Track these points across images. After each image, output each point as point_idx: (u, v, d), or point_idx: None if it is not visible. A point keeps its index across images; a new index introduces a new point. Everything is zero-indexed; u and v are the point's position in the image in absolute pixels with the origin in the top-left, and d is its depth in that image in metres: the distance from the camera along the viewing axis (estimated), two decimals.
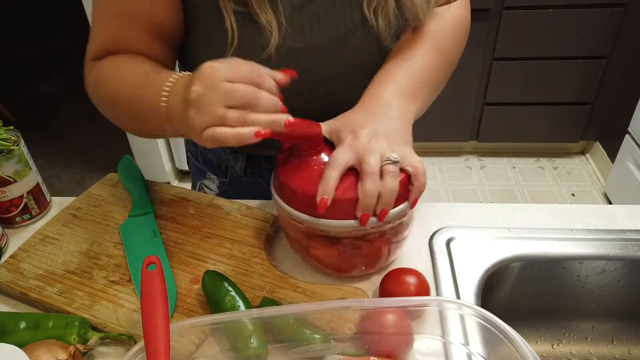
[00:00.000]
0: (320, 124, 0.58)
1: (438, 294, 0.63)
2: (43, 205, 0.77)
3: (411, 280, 0.58)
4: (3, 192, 0.71)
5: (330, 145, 0.58)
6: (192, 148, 0.88)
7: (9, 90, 2.97)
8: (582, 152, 2.38)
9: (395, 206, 0.55)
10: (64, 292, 0.62)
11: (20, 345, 0.51)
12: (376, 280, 0.63)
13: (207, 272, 0.60)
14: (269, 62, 0.63)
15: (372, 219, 0.54)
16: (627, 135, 1.92)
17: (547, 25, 1.92)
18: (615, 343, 0.74)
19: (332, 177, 0.53)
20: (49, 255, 0.67)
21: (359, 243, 0.58)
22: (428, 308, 0.55)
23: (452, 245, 0.69)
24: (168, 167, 2.23)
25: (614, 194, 2.06)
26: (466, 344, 0.54)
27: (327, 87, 0.67)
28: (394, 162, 0.54)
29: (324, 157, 0.57)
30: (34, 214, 0.75)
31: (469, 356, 0.54)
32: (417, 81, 0.63)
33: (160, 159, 2.16)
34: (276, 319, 0.53)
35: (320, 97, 0.67)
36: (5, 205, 0.72)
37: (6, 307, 0.63)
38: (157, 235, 0.69)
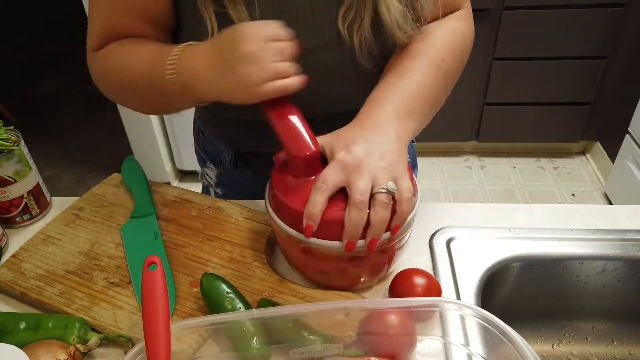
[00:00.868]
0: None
1: None
2: (43, 206, 0.77)
3: (420, 281, 0.58)
4: (3, 192, 0.71)
5: (324, 159, 0.57)
6: (196, 136, 0.90)
7: (9, 90, 2.97)
8: (583, 152, 2.38)
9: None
10: (63, 292, 0.62)
11: (20, 345, 0.51)
12: (380, 287, 0.63)
13: (205, 274, 0.59)
14: None
15: (360, 243, 0.53)
16: (627, 135, 1.92)
17: (547, 25, 1.92)
18: (615, 343, 0.74)
19: (318, 201, 0.52)
20: (50, 256, 0.67)
21: (357, 259, 0.57)
22: (428, 309, 0.55)
23: (452, 245, 0.69)
24: (168, 167, 2.23)
25: (614, 194, 2.06)
26: (466, 344, 0.54)
27: (308, 93, 0.61)
28: (389, 192, 0.52)
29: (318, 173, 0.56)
30: (34, 214, 0.75)
31: (470, 357, 0.54)
32: (415, 100, 0.61)
33: (160, 159, 2.16)
34: (276, 320, 0.53)
35: (302, 102, 0.62)
36: (6, 205, 0.72)
37: (7, 307, 0.63)
38: (158, 237, 0.69)
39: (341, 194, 0.53)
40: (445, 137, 2.29)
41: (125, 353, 0.52)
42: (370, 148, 0.54)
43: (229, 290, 0.58)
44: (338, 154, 0.54)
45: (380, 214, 0.51)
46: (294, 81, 0.54)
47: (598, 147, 2.26)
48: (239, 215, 0.72)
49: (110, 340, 0.57)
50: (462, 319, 0.55)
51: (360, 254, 0.55)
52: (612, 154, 2.08)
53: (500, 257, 0.67)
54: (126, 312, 0.60)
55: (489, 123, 2.21)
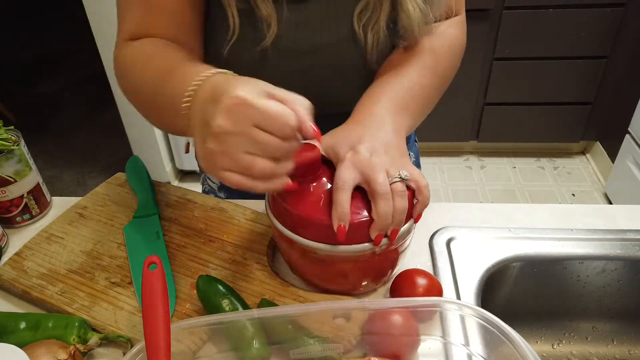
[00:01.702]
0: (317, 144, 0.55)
1: None
2: (43, 205, 0.77)
3: (422, 281, 0.58)
4: (3, 192, 0.71)
5: (326, 162, 0.57)
6: None
7: (9, 90, 2.97)
8: (583, 152, 2.38)
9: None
10: (65, 292, 0.62)
11: (21, 345, 0.51)
12: (381, 288, 0.63)
13: (201, 276, 0.58)
14: (264, 60, 0.63)
15: (384, 240, 0.53)
16: (627, 135, 1.92)
17: (547, 25, 1.92)
18: (615, 343, 0.74)
19: (344, 200, 0.51)
20: (53, 254, 0.67)
21: (362, 262, 0.56)
22: (429, 309, 0.55)
23: (452, 245, 0.69)
24: (168, 167, 2.23)
25: (614, 194, 2.06)
26: (467, 344, 0.54)
27: (320, 89, 0.64)
28: (402, 180, 0.52)
29: (324, 178, 0.56)
30: (34, 213, 0.75)
31: (470, 357, 0.54)
32: (409, 96, 0.62)
33: (160, 159, 2.16)
34: (276, 321, 0.53)
35: (312, 98, 0.65)
36: (6, 205, 0.72)
37: (8, 305, 0.64)
38: (161, 237, 0.69)
39: (356, 197, 0.53)
40: (445, 137, 2.29)
41: (125, 354, 0.52)
42: (374, 144, 0.54)
43: (226, 292, 0.57)
44: (346, 155, 0.54)
45: (401, 204, 0.52)
46: (270, 187, 0.45)
47: (598, 147, 2.26)
48: (241, 216, 0.72)
49: (111, 341, 0.57)
50: (462, 319, 0.55)
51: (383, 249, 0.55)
52: (612, 154, 2.08)
53: (500, 257, 0.67)
54: (127, 312, 0.60)
55: (489, 123, 2.21)
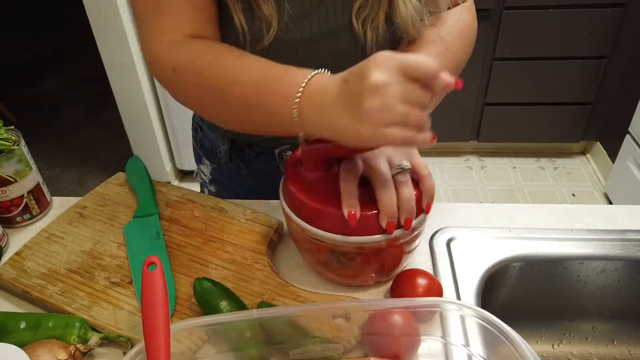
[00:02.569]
0: None
1: None
2: (43, 205, 0.77)
3: (422, 281, 0.58)
4: (3, 191, 0.71)
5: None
6: (194, 134, 0.90)
7: (9, 90, 2.97)
8: (583, 152, 2.38)
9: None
10: (65, 291, 0.62)
11: (21, 345, 0.51)
12: (382, 287, 0.63)
13: (198, 279, 0.58)
14: (264, 56, 0.63)
15: (398, 231, 0.55)
16: (627, 136, 1.92)
17: (548, 25, 1.92)
18: (615, 343, 0.74)
19: (351, 190, 0.53)
20: (53, 254, 0.67)
21: (378, 254, 0.58)
22: (429, 309, 0.55)
23: (452, 245, 0.69)
24: (169, 167, 2.23)
25: (614, 194, 2.06)
26: (466, 344, 0.54)
27: None
28: (405, 170, 0.54)
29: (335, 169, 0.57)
30: (34, 213, 0.75)
31: (470, 357, 0.54)
32: None
33: (160, 158, 2.16)
34: (276, 321, 0.53)
35: None
36: (6, 205, 0.72)
37: (9, 305, 0.64)
38: (161, 237, 0.69)
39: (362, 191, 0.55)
40: (446, 137, 2.29)
41: (125, 353, 0.52)
42: None
43: (224, 294, 0.57)
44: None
45: (406, 193, 0.53)
46: (424, 138, 0.47)
47: (598, 147, 2.26)
48: (241, 216, 0.72)
49: (111, 340, 0.57)
50: (462, 319, 0.55)
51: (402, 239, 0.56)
52: (613, 154, 2.08)
53: (500, 257, 0.67)
54: (126, 312, 0.60)
55: (489, 123, 2.21)
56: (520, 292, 0.71)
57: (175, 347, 0.49)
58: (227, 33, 0.64)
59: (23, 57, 3.39)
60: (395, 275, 0.61)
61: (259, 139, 0.75)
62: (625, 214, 0.74)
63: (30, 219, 0.75)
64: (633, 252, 0.68)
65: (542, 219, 0.73)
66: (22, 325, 0.57)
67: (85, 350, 0.55)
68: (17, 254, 0.68)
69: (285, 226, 0.70)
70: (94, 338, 0.56)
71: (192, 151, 0.94)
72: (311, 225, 0.56)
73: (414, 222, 0.55)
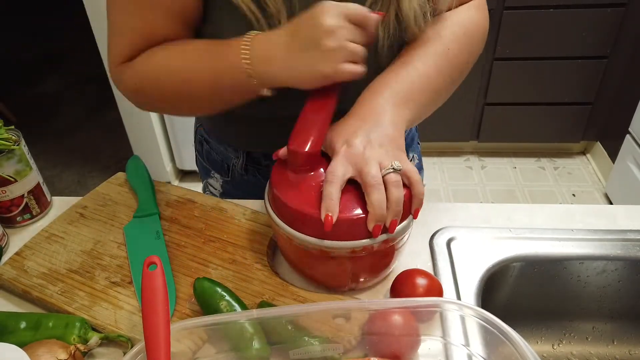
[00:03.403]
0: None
1: None
2: (44, 205, 0.77)
3: (422, 281, 0.58)
4: (4, 191, 0.71)
5: (326, 157, 0.57)
6: (199, 147, 0.88)
7: (9, 90, 2.97)
8: (583, 152, 2.38)
9: (400, 222, 0.54)
10: (65, 291, 0.62)
11: (21, 345, 0.51)
12: (381, 287, 0.63)
13: (198, 279, 0.58)
14: None
15: (382, 236, 0.54)
16: (627, 135, 1.92)
17: (548, 25, 1.92)
18: (615, 343, 0.74)
19: (332, 192, 0.52)
20: (53, 254, 0.67)
21: (360, 258, 0.57)
22: (429, 309, 0.55)
23: (452, 245, 0.69)
24: (169, 167, 2.23)
25: (614, 194, 2.06)
26: (467, 344, 0.54)
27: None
28: (396, 171, 0.53)
29: (323, 171, 0.56)
30: (34, 213, 0.75)
31: (470, 357, 0.54)
32: (413, 86, 0.61)
33: (161, 158, 2.16)
34: (276, 321, 0.53)
35: None
36: (6, 204, 0.72)
37: (9, 305, 0.64)
38: (161, 237, 0.69)
39: (351, 193, 0.54)
40: (446, 137, 2.29)
41: (125, 353, 0.52)
42: (368, 137, 0.55)
43: (224, 294, 0.57)
44: (340, 149, 0.55)
45: (395, 194, 0.53)
46: (361, 70, 0.55)
47: (599, 147, 2.26)
48: (241, 216, 0.72)
49: (111, 340, 0.57)
50: (463, 319, 0.55)
51: (381, 244, 0.55)
52: (613, 154, 2.08)
53: (500, 257, 0.67)
54: (127, 312, 0.60)
55: (490, 123, 2.21)
56: (520, 292, 0.71)
57: (175, 346, 0.49)
58: (231, 29, 0.62)
59: (23, 57, 3.39)
60: (395, 276, 0.61)
61: (276, 149, 0.75)
62: (625, 214, 0.74)
63: (30, 218, 0.75)
64: (633, 252, 0.68)
65: (542, 219, 0.73)
66: (23, 325, 0.57)
67: (85, 350, 0.55)
68: (17, 253, 0.68)
69: None
70: (94, 338, 0.56)
71: (195, 164, 0.93)
72: (290, 226, 0.56)
73: (399, 227, 0.54)
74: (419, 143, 0.90)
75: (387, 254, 0.59)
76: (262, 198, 0.72)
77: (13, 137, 0.72)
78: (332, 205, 0.52)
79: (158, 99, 0.66)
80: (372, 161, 0.53)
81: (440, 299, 0.58)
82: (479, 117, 2.20)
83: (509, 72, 2.05)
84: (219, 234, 0.69)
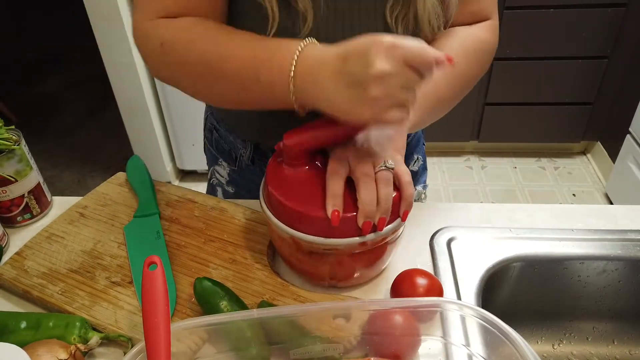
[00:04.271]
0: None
1: None
2: (44, 205, 0.77)
3: (422, 281, 0.58)
4: (4, 191, 0.71)
5: (322, 154, 0.58)
6: (208, 135, 0.89)
7: (10, 90, 2.97)
8: (583, 152, 2.38)
9: (388, 223, 0.55)
10: (65, 291, 0.62)
11: (21, 344, 0.51)
12: (381, 287, 0.63)
13: (198, 279, 0.58)
14: None
15: (371, 236, 0.54)
16: (628, 135, 1.92)
17: (548, 25, 1.92)
18: (616, 343, 0.74)
19: (336, 187, 0.53)
20: (54, 254, 0.67)
21: (353, 254, 0.57)
22: (429, 309, 0.55)
23: (452, 245, 0.69)
24: (169, 167, 2.23)
25: (615, 194, 2.06)
26: (467, 344, 0.54)
27: None
28: (388, 169, 0.54)
29: (319, 165, 0.57)
30: (34, 213, 0.75)
31: (470, 357, 0.54)
32: (419, 92, 0.61)
33: (161, 158, 2.16)
34: (276, 321, 0.53)
35: None
36: (6, 204, 0.73)
37: (9, 305, 0.64)
38: (161, 237, 0.69)
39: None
40: (446, 137, 2.29)
41: (125, 353, 0.52)
42: (367, 136, 0.56)
43: (224, 294, 0.57)
44: (338, 147, 0.56)
45: (384, 190, 0.53)
46: (406, 117, 0.51)
47: (599, 147, 2.26)
48: (241, 216, 0.72)
49: (111, 340, 0.57)
50: (463, 319, 0.55)
51: (372, 243, 0.56)
52: (613, 154, 2.08)
53: (500, 257, 0.67)
54: (127, 311, 0.60)
55: (490, 123, 2.21)
56: (520, 292, 0.71)
57: (175, 346, 0.49)
58: (254, 23, 0.62)
59: (24, 57, 3.39)
60: (396, 276, 0.61)
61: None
62: (625, 214, 0.74)
63: (30, 218, 0.75)
64: (633, 252, 0.68)
65: (542, 219, 0.73)
66: (23, 324, 0.57)
67: (85, 350, 0.55)
68: (17, 253, 0.68)
69: None
70: (95, 338, 0.56)
71: (203, 152, 0.93)
72: (284, 224, 0.56)
73: (386, 228, 0.55)
74: (424, 144, 0.91)
75: (380, 250, 0.59)
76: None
77: (13, 137, 0.72)
78: (337, 200, 0.53)
79: (182, 63, 0.60)
80: (366, 159, 0.54)
81: (440, 298, 0.58)
82: (479, 117, 2.20)
83: (509, 72, 2.05)
84: (219, 233, 0.69)
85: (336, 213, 0.53)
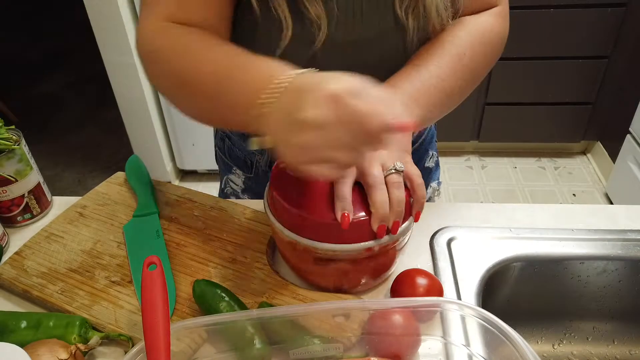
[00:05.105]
0: None
1: None
2: (44, 205, 0.77)
3: (422, 281, 0.58)
4: (4, 191, 0.71)
5: None
6: (220, 143, 0.88)
7: (10, 90, 2.97)
8: (583, 152, 2.38)
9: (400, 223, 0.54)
10: (65, 291, 0.62)
11: (21, 344, 0.51)
12: (381, 287, 0.63)
13: (197, 281, 0.58)
14: (314, 58, 0.62)
15: (386, 238, 0.54)
16: (628, 135, 1.91)
17: (548, 25, 1.92)
18: (616, 343, 0.74)
19: (345, 191, 0.53)
20: (53, 253, 0.67)
21: (362, 260, 0.57)
22: (429, 309, 0.55)
23: (453, 245, 0.69)
24: (169, 166, 2.23)
25: (615, 194, 2.06)
26: (467, 344, 0.54)
27: None
28: (398, 172, 0.53)
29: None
30: (35, 213, 0.75)
31: (470, 357, 0.54)
32: (424, 87, 0.61)
33: (161, 158, 2.16)
34: (276, 321, 0.53)
35: None
36: (7, 204, 0.73)
37: (9, 304, 0.64)
38: (160, 236, 0.69)
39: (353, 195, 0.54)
40: (446, 136, 2.29)
41: (126, 352, 0.52)
42: None
43: (224, 295, 0.57)
44: None
45: (397, 194, 0.53)
46: (336, 177, 0.49)
47: (599, 147, 2.26)
48: (241, 215, 0.72)
49: (111, 339, 0.57)
50: (463, 319, 0.55)
51: (384, 246, 0.55)
52: (613, 154, 2.07)
53: (500, 257, 0.67)
54: (127, 311, 0.60)
55: (490, 123, 2.21)
56: (520, 292, 0.71)
57: (175, 346, 0.49)
58: (265, 31, 0.61)
59: (24, 57, 3.39)
60: (396, 276, 0.61)
61: None
62: (625, 214, 0.74)
63: (30, 218, 0.75)
64: (634, 252, 0.68)
65: (542, 219, 0.73)
66: (23, 324, 0.57)
67: (86, 350, 0.55)
68: (17, 253, 0.68)
69: None
70: (95, 337, 0.56)
71: (215, 161, 0.91)
72: (291, 231, 0.55)
73: (400, 227, 0.54)
74: (436, 141, 0.90)
75: (388, 256, 0.59)
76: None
77: (13, 137, 0.72)
78: (346, 203, 0.52)
79: (165, 73, 0.59)
80: (374, 162, 0.53)
81: (440, 298, 0.58)
82: (480, 117, 2.20)
83: (509, 72, 2.05)
84: (218, 233, 0.69)
85: (346, 216, 0.52)
